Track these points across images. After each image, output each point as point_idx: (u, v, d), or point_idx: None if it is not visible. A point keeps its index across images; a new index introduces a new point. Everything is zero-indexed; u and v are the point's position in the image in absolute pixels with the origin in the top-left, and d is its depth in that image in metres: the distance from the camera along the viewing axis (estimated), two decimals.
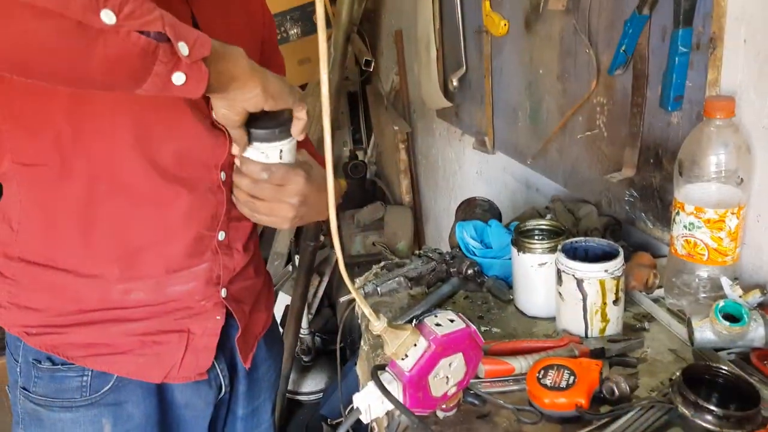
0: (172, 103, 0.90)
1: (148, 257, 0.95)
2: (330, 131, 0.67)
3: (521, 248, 1.07)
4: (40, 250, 0.94)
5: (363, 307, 0.74)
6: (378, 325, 0.75)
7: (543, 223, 1.12)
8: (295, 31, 3.00)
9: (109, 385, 0.98)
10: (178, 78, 0.72)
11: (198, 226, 0.97)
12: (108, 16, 0.64)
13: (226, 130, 0.93)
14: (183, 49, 0.70)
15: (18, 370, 0.99)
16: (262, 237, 3.11)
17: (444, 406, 0.83)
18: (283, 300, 2.72)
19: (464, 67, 1.96)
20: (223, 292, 1.03)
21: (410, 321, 1.05)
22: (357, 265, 2.61)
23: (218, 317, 1.03)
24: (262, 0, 1.13)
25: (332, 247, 2.79)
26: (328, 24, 2.82)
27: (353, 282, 0.77)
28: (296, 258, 2.74)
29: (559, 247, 1.00)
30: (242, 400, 1.16)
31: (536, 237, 1.10)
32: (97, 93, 0.84)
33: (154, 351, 0.98)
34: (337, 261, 0.74)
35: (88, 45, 0.65)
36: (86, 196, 0.90)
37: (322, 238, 2.82)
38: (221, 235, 1.01)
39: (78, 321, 0.95)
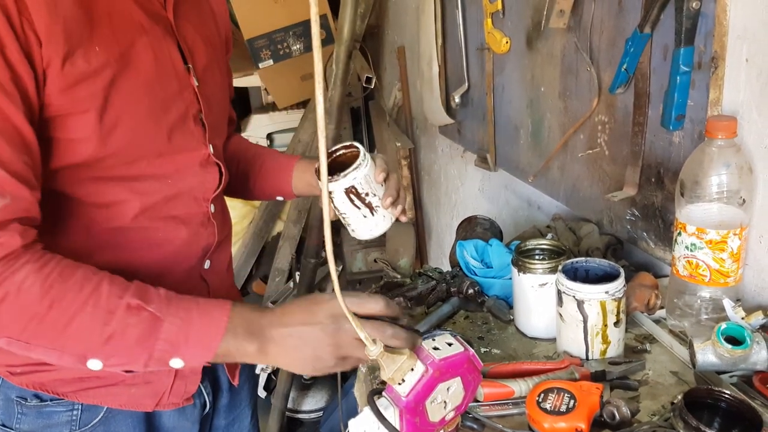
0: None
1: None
2: (325, 147, 0.66)
3: (521, 269, 1.06)
4: None
5: (359, 332, 0.73)
6: (374, 350, 0.74)
7: (543, 243, 1.11)
8: (297, 46, 3.01)
9: (99, 417, 0.96)
10: (176, 363, 0.79)
11: (190, 260, 0.98)
12: (95, 364, 0.77)
13: (219, 164, 0.98)
14: (176, 363, 0.79)
15: None
16: (262, 252, 3.11)
17: (442, 431, 0.82)
18: None
19: (466, 84, 1.95)
20: None
21: None
22: (359, 282, 2.59)
23: None
24: (226, 8, 1.14)
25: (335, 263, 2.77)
26: (331, 40, 2.83)
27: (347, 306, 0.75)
28: (297, 275, 2.73)
29: (560, 267, 0.99)
30: (224, 412, 1.16)
31: (537, 257, 1.09)
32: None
33: (145, 380, 0.97)
34: (338, 278, 0.73)
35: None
36: (81, 247, 0.87)
37: (323, 254, 2.81)
38: (207, 264, 1.02)
39: None
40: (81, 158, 0.83)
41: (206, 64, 0.98)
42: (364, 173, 1.00)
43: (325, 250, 2.65)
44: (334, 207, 1.03)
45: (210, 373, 1.09)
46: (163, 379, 0.98)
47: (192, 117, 0.93)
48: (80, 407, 0.95)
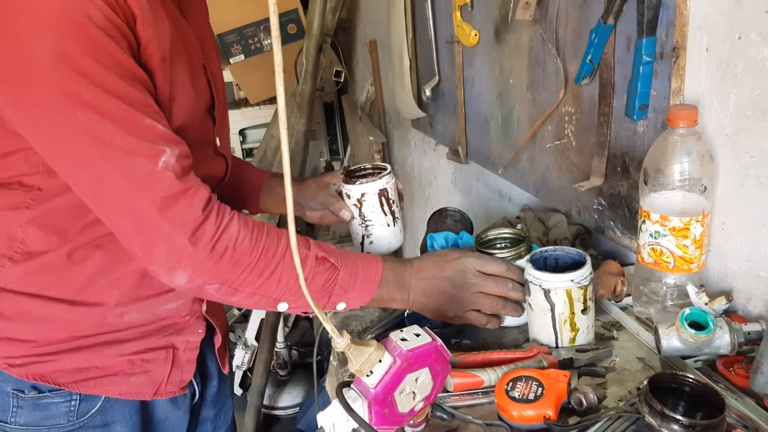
0: None
1: (147, 280, 0.95)
2: (287, 142, 0.66)
3: None
4: (29, 281, 0.91)
5: (325, 324, 0.73)
6: (341, 342, 0.73)
7: (505, 232, 1.12)
8: (269, 41, 2.98)
9: (97, 408, 0.97)
10: (341, 306, 0.92)
11: None
12: (283, 306, 0.89)
13: (226, 157, 1.03)
14: (340, 306, 0.92)
15: None
16: None
17: (411, 422, 0.82)
18: (259, 314, 2.69)
19: (437, 78, 1.96)
20: (204, 306, 1.05)
21: (378, 336, 1.04)
22: None
23: (200, 330, 1.05)
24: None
25: None
26: (302, 34, 2.82)
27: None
28: None
29: (527, 257, 1.00)
30: (211, 402, 1.18)
31: (498, 246, 1.10)
32: None
33: (144, 369, 0.99)
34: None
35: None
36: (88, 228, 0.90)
37: None
38: None
39: (69, 347, 0.94)
40: None
41: (215, 59, 1.02)
42: (394, 181, 1.13)
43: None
44: (360, 214, 1.11)
45: (200, 363, 1.10)
46: (161, 367, 1.00)
47: (206, 109, 0.97)
48: (78, 398, 0.95)
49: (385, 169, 1.14)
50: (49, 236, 0.89)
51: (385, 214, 1.12)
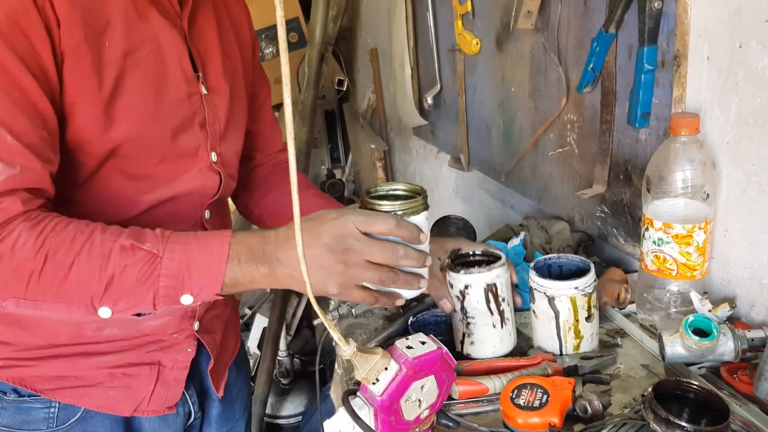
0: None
1: None
2: (294, 151, 0.67)
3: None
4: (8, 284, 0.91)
5: (332, 332, 0.73)
6: (347, 350, 0.74)
7: (398, 187, 0.91)
8: (270, 50, 2.99)
9: (77, 417, 0.96)
10: (186, 299, 0.78)
11: None
12: (105, 312, 0.77)
13: (221, 172, 0.98)
14: (186, 300, 0.78)
15: None
16: None
17: (417, 430, 0.82)
18: (261, 323, 2.69)
19: (438, 86, 1.97)
20: (196, 325, 1.02)
21: (383, 344, 1.04)
22: None
23: (189, 350, 1.02)
24: (249, 19, 1.14)
25: None
26: (303, 43, 2.83)
27: (321, 306, 0.76)
28: None
29: (531, 264, 1.01)
30: (216, 423, 1.14)
31: (390, 199, 0.87)
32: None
33: (124, 384, 0.97)
34: None
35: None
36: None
37: None
38: None
39: (47, 354, 0.93)
40: (85, 148, 0.84)
41: (220, 74, 0.98)
42: (507, 274, 0.97)
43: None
44: (462, 308, 0.97)
45: (197, 383, 1.07)
46: (143, 384, 0.98)
47: (198, 123, 0.94)
48: (57, 405, 0.94)
49: (499, 258, 0.98)
50: None
51: (491, 313, 0.96)
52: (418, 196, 0.84)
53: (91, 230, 0.77)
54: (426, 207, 0.84)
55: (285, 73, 0.63)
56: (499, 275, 0.95)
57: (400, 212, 0.81)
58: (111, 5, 0.83)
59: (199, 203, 0.98)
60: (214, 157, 0.97)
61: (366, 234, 0.77)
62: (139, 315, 0.85)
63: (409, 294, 0.85)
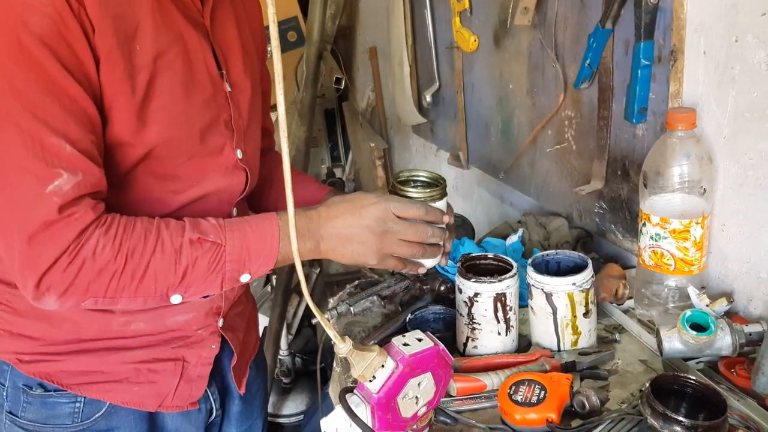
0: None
1: None
2: (287, 150, 0.67)
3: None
4: None
5: (328, 330, 0.73)
6: (343, 348, 0.74)
7: (420, 174, 1.00)
8: (268, 48, 2.99)
9: (101, 412, 0.97)
10: (245, 277, 0.87)
11: None
12: (176, 298, 0.85)
13: (247, 170, 0.99)
14: (245, 278, 0.87)
15: (4, 394, 0.97)
16: None
17: (415, 427, 0.82)
18: (263, 321, 2.70)
19: (437, 83, 1.96)
20: (221, 322, 1.03)
21: (380, 341, 1.04)
22: (336, 284, 2.58)
23: (213, 346, 1.03)
24: (261, 12, 1.13)
25: (311, 265, 2.75)
26: (302, 42, 2.83)
27: (317, 305, 0.76)
28: (274, 278, 2.72)
29: (529, 261, 1.01)
30: (236, 420, 1.15)
31: (413, 186, 0.97)
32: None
33: (150, 379, 0.98)
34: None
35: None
36: None
37: None
38: None
39: (74, 349, 0.94)
40: (119, 150, 0.85)
41: (241, 70, 0.99)
42: (516, 284, 0.98)
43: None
44: (469, 314, 0.99)
45: (219, 380, 1.08)
46: (168, 379, 0.99)
47: (223, 122, 0.95)
48: (83, 400, 0.95)
49: (510, 268, 1.00)
50: None
51: (498, 321, 0.98)
52: (439, 185, 0.96)
53: (157, 227, 0.83)
54: (445, 194, 0.96)
55: (278, 71, 0.63)
56: (509, 286, 0.97)
57: (427, 199, 0.93)
58: (139, 9, 0.83)
59: (227, 201, 0.98)
60: (239, 154, 0.98)
61: (400, 217, 0.90)
62: (205, 297, 0.92)
63: (429, 263, 0.96)
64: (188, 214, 0.91)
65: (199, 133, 0.91)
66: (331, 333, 0.73)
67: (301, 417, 2.57)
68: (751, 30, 0.90)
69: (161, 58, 0.85)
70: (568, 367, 0.93)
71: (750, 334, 0.87)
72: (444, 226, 0.94)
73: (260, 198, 1.21)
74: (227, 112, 0.95)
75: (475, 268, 1.02)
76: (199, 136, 0.91)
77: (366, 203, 0.89)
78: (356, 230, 0.88)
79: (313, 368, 2.73)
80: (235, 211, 1.01)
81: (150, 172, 0.88)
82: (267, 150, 1.24)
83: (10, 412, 0.97)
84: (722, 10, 0.94)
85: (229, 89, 0.96)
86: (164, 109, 0.86)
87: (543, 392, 0.84)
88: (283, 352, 2.64)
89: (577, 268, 0.99)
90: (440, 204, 0.94)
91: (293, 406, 2.59)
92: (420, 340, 0.79)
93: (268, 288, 2.81)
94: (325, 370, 2.51)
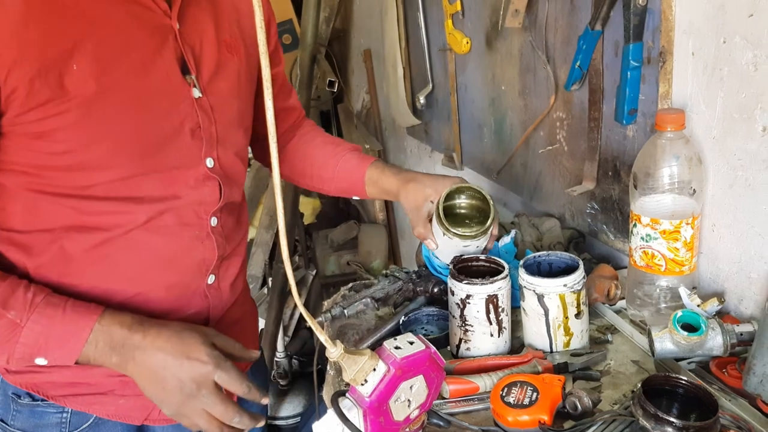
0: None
1: (130, 305, 0.91)
2: (276, 155, 0.67)
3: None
4: None
5: (319, 335, 0.73)
6: (334, 351, 0.74)
7: (473, 202, 1.05)
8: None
9: (89, 422, 0.96)
10: (40, 361, 0.83)
11: (181, 274, 0.94)
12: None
13: (219, 180, 0.95)
14: (40, 362, 0.83)
15: None
16: None
17: (407, 430, 0.82)
18: (260, 323, 2.70)
19: (431, 85, 1.97)
20: None
21: (373, 345, 1.04)
22: (332, 286, 2.59)
23: None
24: (271, 10, 1.08)
25: (307, 267, 2.74)
26: (297, 45, 2.83)
27: (314, 307, 0.76)
28: (270, 281, 2.72)
29: (521, 262, 1.01)
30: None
31: (461, 212, 1.05)
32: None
33: (135, 392, 0.94)
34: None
35: None
36: (64, 266, 0.87)
37: (296, 258, 2.81)
38: (211, 279, 0.99)
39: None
40: (63, 171, 0.82)
41: (215, 71, 0.93)
42: (508, 286, 0.98)
43: (297, 254, 2.61)
44: (461, 316, 0.98)
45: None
46: None
47: (189, 131, 0.90)
48: (70, 411, 0.95)
49: (502, 270, 0.99)
50: (16, 255, 0.87)
51: (490, 323, 0.97)
52: (486, 222, 1.01)
53: None
54: (488, 231, 1.01)
55: (266, 77, 0.63)
56: (501, 287, 0.97)
57: (468, 242, 1.00)
58: (79, 22, 0.79)
59: (203, 212, 0.94)
60: (209, 163, 0.93)
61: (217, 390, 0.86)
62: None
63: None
64: (160, 227, 0.90)
65: (155, 148, 0.87)
66: (322, 337, 0.73)
67: (298, 419, 2.57)
68: (738, 31, 0.90)
69: (105, 74, 0.80)
70: (560, 369, 0.93)
71: (741, 334, 0.88)
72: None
73: (321, 184, 1.21)
74: (194, 119, 0.90)
75: (467, 270, 1.03)
76: (155, 152, 0.87)
77: (196, 354, 0.84)
78: (168, 377, 0.84)
79: (309, 370, 2.74)
80: (214, 220, 0.96)
81: (106, 193, 0.85)
82: (294, 127, 1.23)
83: (1, 420, 0.97)
84: (710, 11, 0.94)
85: (198, 95, 0.90)
86: (107, 129, 0.82)
87: (535, 394, 0.84)
88: (280, 354, 2.64)
89: (568, 269, 0.99)
90: (479, 242, 0.98)
91: (290, 408, 2.60)
92: (412, 343, 0.79)
93: (265, 290, 2.81)
94: (322, 372, 2.50)
